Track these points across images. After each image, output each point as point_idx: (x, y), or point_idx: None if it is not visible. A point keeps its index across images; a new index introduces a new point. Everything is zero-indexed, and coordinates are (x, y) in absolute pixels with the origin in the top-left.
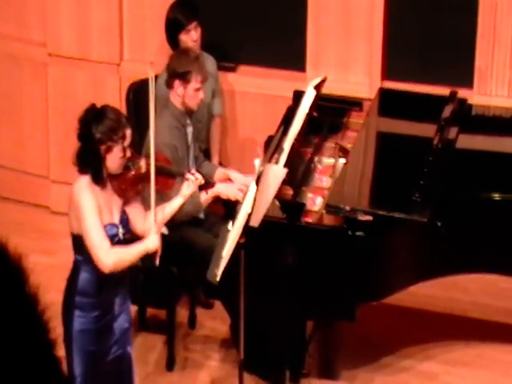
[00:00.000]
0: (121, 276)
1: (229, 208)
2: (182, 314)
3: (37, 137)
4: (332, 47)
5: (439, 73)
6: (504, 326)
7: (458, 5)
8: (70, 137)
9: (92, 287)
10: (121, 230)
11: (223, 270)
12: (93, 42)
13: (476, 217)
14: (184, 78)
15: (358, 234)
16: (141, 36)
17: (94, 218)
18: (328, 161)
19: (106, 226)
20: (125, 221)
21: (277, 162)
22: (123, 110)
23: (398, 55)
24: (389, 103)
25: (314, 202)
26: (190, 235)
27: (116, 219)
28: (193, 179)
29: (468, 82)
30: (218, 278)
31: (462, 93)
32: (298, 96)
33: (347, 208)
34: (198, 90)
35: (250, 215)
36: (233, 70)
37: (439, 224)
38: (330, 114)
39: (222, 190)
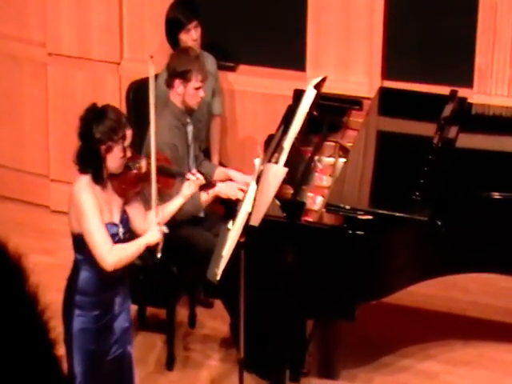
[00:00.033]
0: (121, 275)
1: (229, 207)
2: (182, 313)
3: (37, 136)
4: (332, 47)
5: (439, 72)
6: (504, 325)
7: (457, 4)
8: (70, 136)
9: (92, 286)
10: (121, 230)
11: (223, 269)
12: (93, 41)
13: (476, 216)
14: (184, 77)
15: (358, 233)
16: (141, 35)
17: (96, 218)
18: (328, 160)
19: (107, 226)
20: (125, 220)
21: (277, 162)
22: (123, 109)
23: (398, 55)
24: (389, 102)
25: (314, 201)
26: (190, 234)
27: (116, 218)
28: (194, 179)
29: (468, 82)
30: (218, 278)
31: (462, 92)
32: (298, 95)
33: (347, 207)
34: (198, 88)
35: (250, 214)
36: (233, 69)
37: (439, 223)
38: (330, 114)
39: (222, 189)
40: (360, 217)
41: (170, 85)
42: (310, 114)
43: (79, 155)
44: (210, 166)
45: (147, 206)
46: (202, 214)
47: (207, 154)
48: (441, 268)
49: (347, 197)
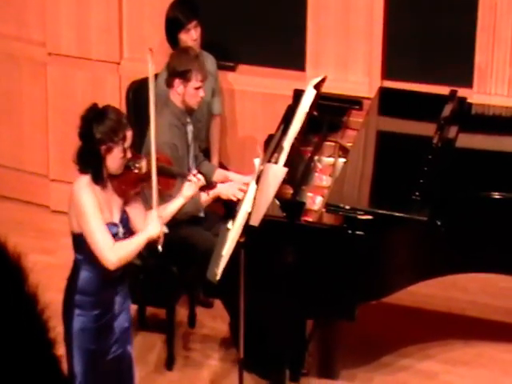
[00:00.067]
0: (121, 275)
1: (229, 207)
2: (182, 313)
3: (36, 136)
4: (332, 46)
5: (439, 72)
6: (503, 324)
7: (457, 4)
8: (69, 136)
9: (92, 286)
10: (121, 230)
11: (223, 269)
12: (92, 41)
13: (476, 216)
14: (184, 76)
15: (357, 233)
16: (140, 35)
17: (96, 217)
18: (328, 160)
19: (107, 225)
20: (125, 220)
21: (277, 162)
22: (123, 109)
23: (398, 54)
24: (389, 102)
25: (314, 201)
26: (189, 234)
27: (116, 218)
28: (195, 180)
29: (468, 81)
30: (217, 277)
31: (462, 92)
32: (297, 95)
33: (347, 207)
34: (198, 88)
35: (249, 214)
36: (232, 69)
37: (439, 223)
38: (329, 113)
39: (223, 190)
40: (360, 217)
41: (169, 84)
42: (309, 113)
43: (79, 155)
44: (210, 166)
45: (147, 206)
46: (201, 214)
47: (207, 153)
48: (440, 268)
49: (347, 197)
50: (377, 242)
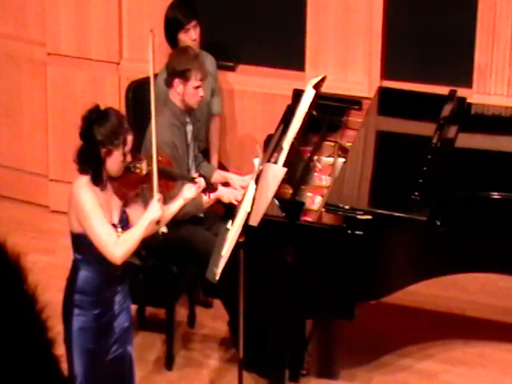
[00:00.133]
0: (121, 274)
1: (228, 207)
2: (182, 313)
3: (36, 136)
4: (331, 46)
5: (438, 72)
6: (503, 324)
7: (457, 4)
8: (69, 136)
9: (91, 286)
10: (120, 230)
11: (223, 269)
12: (92, 41)
13: (475, 216)
14: (183, 76)
15: (357, 232)
16: (140, 35)
17: (97, 214)
18: (327, 160)
19: None
20: (125, 221)
21: (276, 161)
22: (122, 109)
23: (398, 54)
24: (388, 102)
25: (314, 201)
26: (189, 234)
27: (115, 219)
28: (196, 187)
29: (467, 81)
30: (217, 277)
31: (462, 92)
32: (297, 95)
33: (346, 207)
34: (197, 87)
35: (249, 214)
36: (232, 69)
37: (438, 223)
38: (329, 113)
39: (224, 194)
40: (359, 217)
41: (169, 84)
42: (309, 113)
43: (79, 155)
44: (209, 167)
45: (147, 206)
46: (201, 214)
47: (206, 153)
48: (440, 268)
49: (346, 197)
50: (376, 241)
